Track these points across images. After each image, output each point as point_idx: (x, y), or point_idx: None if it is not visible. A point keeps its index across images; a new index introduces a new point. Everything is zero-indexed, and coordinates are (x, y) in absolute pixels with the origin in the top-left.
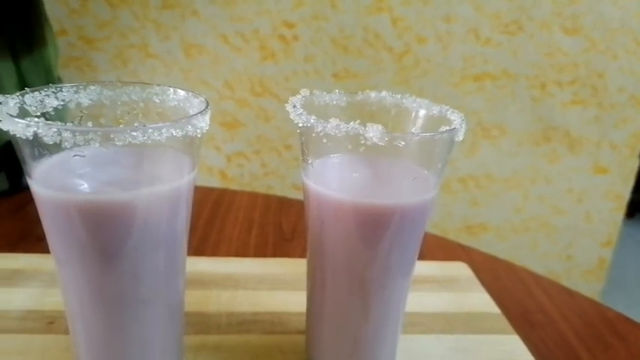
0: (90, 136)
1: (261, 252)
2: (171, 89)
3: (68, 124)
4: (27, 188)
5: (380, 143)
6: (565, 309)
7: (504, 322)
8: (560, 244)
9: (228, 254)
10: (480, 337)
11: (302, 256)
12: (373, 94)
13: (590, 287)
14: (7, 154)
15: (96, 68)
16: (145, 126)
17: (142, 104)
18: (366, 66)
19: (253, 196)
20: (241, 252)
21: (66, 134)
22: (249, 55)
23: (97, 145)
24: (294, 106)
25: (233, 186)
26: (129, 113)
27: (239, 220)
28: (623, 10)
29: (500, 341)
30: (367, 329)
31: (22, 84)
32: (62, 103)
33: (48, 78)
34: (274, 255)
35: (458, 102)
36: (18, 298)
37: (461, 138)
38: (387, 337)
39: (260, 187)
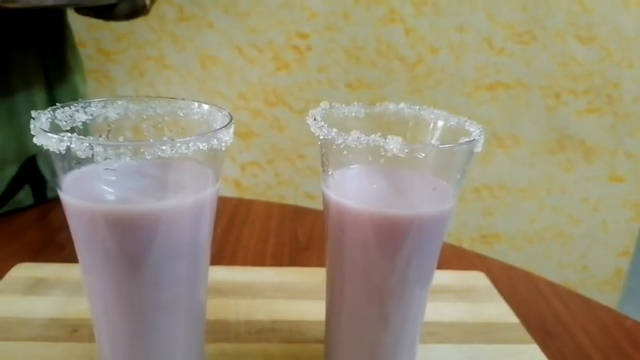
0: (121, 150)
1: (277, 261)
2: (196, 103)
3: (100, 138)
4: (49, 200)
5: (400, 155)
6: (583, 319)
7: (523, 332)
8: (576, 254)
9: (245, 263)
10: (498, 346)
11: (318, 265)
12: (391, 106)
13: (606, 297)
14: (31, 169)
15: (113, 80)
16: (173, 140)
17: (167, 118)
18: (379, 76)
19: (269, 206)
20: (258, 261)
21: (98, 148)
22: (263, 66)
23: (128, 158)
24: (315, 119)
25: (247, 195)
26: (154, 127)
27: (255, 230)
28: (639, 19)
29: (518, 351)
30: (386, 339)
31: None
32: (91, 117)
33: (74, 98)
34: (290, 264)
35: (471, 112)
36: (41, 307)
37: (480, 149)
38: (406, 348)
39: (274, 196)
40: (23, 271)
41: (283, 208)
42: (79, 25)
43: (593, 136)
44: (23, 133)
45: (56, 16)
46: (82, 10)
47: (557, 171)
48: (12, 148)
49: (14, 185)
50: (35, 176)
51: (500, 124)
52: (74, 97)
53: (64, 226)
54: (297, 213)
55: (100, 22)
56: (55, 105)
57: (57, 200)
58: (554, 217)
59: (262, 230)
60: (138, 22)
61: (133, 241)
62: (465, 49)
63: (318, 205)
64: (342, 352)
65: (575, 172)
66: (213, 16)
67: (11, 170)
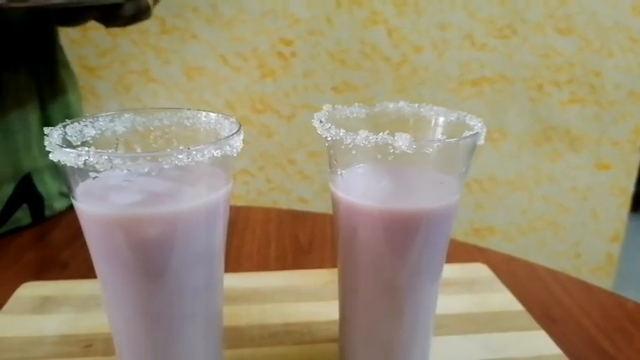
0: (139, 161)
1: (281, 265)
2: (203, 112)
3: (119, 151)
4: (47, 219)
5: (408, 151)
6: (585, 303)
7: (529, 319)
8: (568, 242)
9: (249, 269)
10: (507, 334)
11: (321, 266)
12: (391, 105)
13: (600, 283)
14: (27, 187)
15: (99, 96)
16: (189, 148)
17: (173, 128)
18: (365, 78)
19: (267, 211)
20: (262, 266)
21: (117, 161)
22: (248, 74)
23: (146, 169)
24: (321, 121)
25: (239, 203)
26: (161, 138)
27: (256, 236)
28: (616, 8)
29: (527, 337)
30: (400, 334)
31: (46, 125)
32: (99, 132)
33: (68, 115)
34: (294, 267)
35: (457, 108)
36: (52, 324)
37: (482, 142)
38: (420, 341)
39: (266, 202)
40: (29, 291)
41: (281, 212)
42: (61, 42)
43: (577, 125)
44: (18, 152)
45: (48, 35)
46: (87, 14)
47: (544, 162)
48: (7, 167)
49: (12, 205)
50: (32, 195)
51: (486, 118)
52: (67, 113)
53: (65, 244)
54: (296, 217)
55: (83, 38)
56: (49, 123)
57: (55, 219)
58: (544, 207)
59: (263, 236)
60: (121, 37)
61: (151, 246)
62: (447, 47)
63: (311, 209)
64: (357, 350)
65: (561, 161)
66: (197, 27)
67: (7, 189)
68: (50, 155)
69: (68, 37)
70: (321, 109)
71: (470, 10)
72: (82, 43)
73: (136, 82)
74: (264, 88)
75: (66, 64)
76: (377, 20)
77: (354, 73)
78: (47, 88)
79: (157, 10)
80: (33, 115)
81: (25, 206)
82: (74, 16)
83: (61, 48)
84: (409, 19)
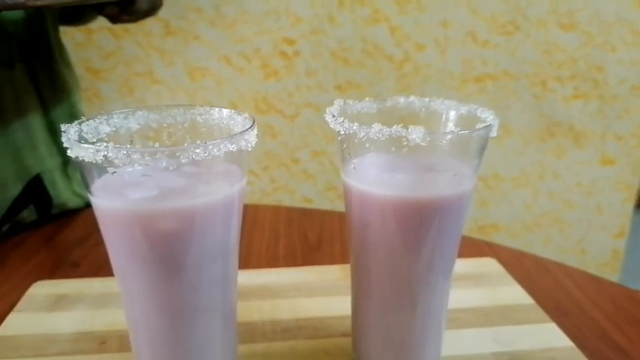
0: (158, 156)
1: (290, 262)
2: (216, 109)
3: (137, 146)
4: (54, 218)
5: (422, 144)
6: (595, 296)
7: (540, 312)
8: (573, 238)
9: (258, 267)
10: (518, 327)
11: (330, 263)
12: (402, 99)
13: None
14: (35, 188)
15: (104, 98)
16: (205, 143)
17: (186, 125)
18: (368, 76)
19: (276, 209)
20: (271, 264)
21: (135, 156)
22: (252, 74)
23: (163, 164)
24: (333, 116)
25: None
26: (175, 134)
27: (265, 233)
28: (618, 2)
29: (538, 330)
30: (413, 327)
31: (50, 124)
32: (114, 129)
33: (72, 115)
34: (304, 264)
35: None
36: (68, 322)
37: (495, 134)
38: (433, 334)
39: (270, 202)
40: (42, 290)
41: (290, 210)
42: (65, 45)
43: (581, 120)
44: (21, 152)
45: (44, 34)
46: (103, 9)
47: (548, 157)
48: (9, 167)
49: (18, 205)
50: (41, 196)
51: None
52: (72, 113)
53: (76, 243)
54: (305, 214)
55: (87, 40)
56: (52, 123)
57: (66, 218)
58: (549, 203)
59: (272, 233)
60: (125, 39)
61: (169, 241)
62: (450, 44)
63: (318, 207)
64: (371, 343)
65: (566, 157)
66: (200, 28)
67: (13, 190)
68: (68, 151)
69: (73, 40)
70: (325, 107)
71: (472, 7)
72: (86, 46)
73: (140, 84)
74: (268, 88)
75: (67, 64)
76: (379, 18)
77: (356, 72)
78: (47, 86)
79: (161, 12)
80: (34, 114)
81: (31, 206)
82: (84, 12)
83: (62, 47)
84: (411, 16)
